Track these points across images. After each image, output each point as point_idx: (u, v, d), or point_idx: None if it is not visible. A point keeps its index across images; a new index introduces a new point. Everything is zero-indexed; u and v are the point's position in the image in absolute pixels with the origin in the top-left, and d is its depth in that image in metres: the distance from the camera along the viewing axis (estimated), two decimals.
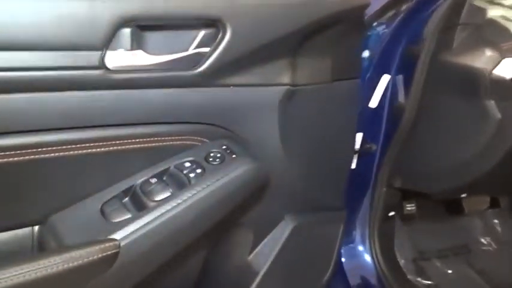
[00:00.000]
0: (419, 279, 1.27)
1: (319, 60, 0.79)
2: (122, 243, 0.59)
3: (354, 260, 1.17)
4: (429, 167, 1.19)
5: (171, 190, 0.67)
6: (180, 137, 0.72)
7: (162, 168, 0.69)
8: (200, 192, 0.66)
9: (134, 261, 0.61)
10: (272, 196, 0.82)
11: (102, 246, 0.57)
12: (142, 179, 0.68)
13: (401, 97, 1.11)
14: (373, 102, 1.14)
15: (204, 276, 0.81)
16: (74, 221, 0.62)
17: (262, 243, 0.86)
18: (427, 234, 1.39)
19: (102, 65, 0.62)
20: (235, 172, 0.70)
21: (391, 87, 1.12)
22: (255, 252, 0.86)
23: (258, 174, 0.74)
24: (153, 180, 0.67)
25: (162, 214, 0.63)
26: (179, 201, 0.65)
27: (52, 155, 0.61)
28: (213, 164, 0.71)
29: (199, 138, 0.74)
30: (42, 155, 0.60)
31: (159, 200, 0.65)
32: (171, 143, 0.71)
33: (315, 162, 0.88)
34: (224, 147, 0.74)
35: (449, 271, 1.31)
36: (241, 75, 0.73)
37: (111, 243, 0.58)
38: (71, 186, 0.64)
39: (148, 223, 0.62)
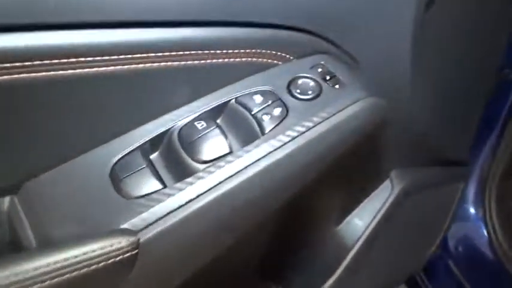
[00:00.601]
0: None
1: None
2: (144, 239, 0.33)
3: (463, 225, 0.90)
4: None
5: (230, 143, 0.39)
6: (246, 50, 0.42)
7: (215, 104, 0.41)
8: (279, 150, 0.38)
9: (166, 266, 0.36)
10: (380, 146, 0.53)
11: (109, 244, 0.32)
12: (182, 121, 0.40)
13: None
14: None
15: (276, 255, 0.56)
16: (65, 191, 0.36)
17: (358, 209, 0.60)
18: None
19: None
20: (340, 115, 0.41)
21: None
22: (346, 221, 0.60)
23: (375, 117, 0.44)
24: (201, 125, 0.39)
25: (216, 186, 0.36)
26: (244, 163, 0.37)
27: (22, 76, 0.33)
28: (302, 99, 0.41)
29: (278, 53, 0.43)
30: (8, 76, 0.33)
31: (211, 161, 0.37)
32: (231, 59, 0.41)
33: (448, 95, 0.57)
34: (320, 70, 0.43)
35: None
36: None
37: (123, 239, 0.32)
38: (61, 131, 0.37)
39: (191, 201, 0.35)
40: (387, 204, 0.61)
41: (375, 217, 0.61)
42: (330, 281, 0.60)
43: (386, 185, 0.61)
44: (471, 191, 0.89)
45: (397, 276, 0.73)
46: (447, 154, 0.65)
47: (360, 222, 0.61)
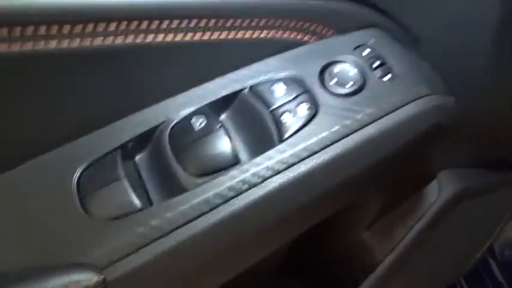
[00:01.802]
0: None
1: None
2: (114, 277, 0.25)
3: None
4: None
5: (237, 150, 0.29)
6: (268, 22, 0.31)
7: (221, 93, 0.31)
8: (301, 164, 0.28)
9: None
10: (432, 145, 0.43)
11: (63, 283, 0.24)
12: (175, 116, 0.30)
13: None
14: None
15: (301, 255, 0.48)
16: (9, 204, 0.28)
17: (396, 214, 0.50)
18: None
19: None
20: (388, 118, 0.30)
21: None
22: (380, 227, 0.51)
23: (437, 121, 0.33)
24: (200, 122, 0.29)
25: (215, 209, 0.27)
26: (253, 179, 0.28)
27: None
28: (339, 94, 0.30)
29: (312, 25, 0.32)
30: None
31: (210, 174, 0.28)
32: (247, 34, 0.31)
33: None
34: (367, 52, 0.32)
35: None
36: None
37: (85, 277, 0.24)
38: (12, 124, 0.28)
39: (181, 227, 0.26)
40: (432, 210, 0.51)
41: (415, 224, 0.51)
42: None
43: (432, 188, 0.51)
44: None
45: (433, 286, 0.64)
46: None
47: (397, 229, 0.52)
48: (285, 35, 0.32)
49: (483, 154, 0.51)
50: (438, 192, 0.50)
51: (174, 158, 0.28)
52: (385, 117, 0.30)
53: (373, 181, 0.34)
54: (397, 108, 0.30)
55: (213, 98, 0.30)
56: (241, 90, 0.31)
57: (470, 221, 0.59)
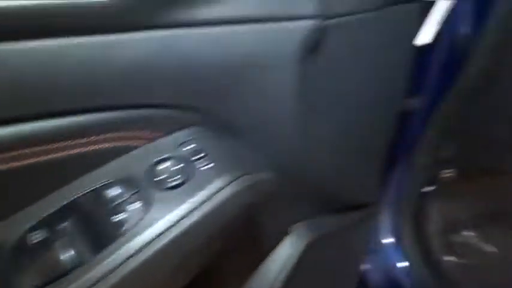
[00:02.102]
0: (451, 258, 1.00)
1: None
2: None
3: (381, 257, 0.89)
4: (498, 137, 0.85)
5: (78, 254, 0.33)
6: (104, 136, 0.36)
7: (60, 205, 0.35)
8: (137, 257, 0.33)
9: None
10: (273, 207, 0.50)
11: None
12: (16, 234, 0.33)
13: (467, 31, 0.74)
14: (422, 38, 0.77)
15: None
16: None
17: (259, 272, 0.55)
18: (457, 199, 1.09)
19: None
20: (212, 202, 0.36)
21: (452, 15, 0.75)
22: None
23: (256, 195, 0.40)
24: (42, 234, 0.33)
25: None
26: (97, 276, 0.32)
27: None
28: (167, 188, 0.36)
29: (141, 132, 0.38)
30: None
31: (57, 280, 0.31)
32: (85, 148, 0.36)
33: (345, 142, 0.55)
34: (188, 148, 0.39)
35: (490, 245, 1.03)
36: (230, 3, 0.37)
37: None
38: None
39: None
40: (291, 261, 0.56)
41: (278, 276, 0.56)
42: None
43: (287, 242, 0.57)
44: (386, 223, 0.88)
45: None
46: (351, 199, 0.63)
47: (263, 286, 0.56)
48: (119, 143, 0.37)
49: (326, 204, 0.60)
50: (295, 244, 0.57)
51: (17, 274, 0.31)
52: (206, 203, 0.36)
53: (215, 254, 0.40)
54: (216, 193, 0.36)
55: (55, 209, 0.34)
56: (81, 196, 0.35)
57: (332, 261, 0.66)
